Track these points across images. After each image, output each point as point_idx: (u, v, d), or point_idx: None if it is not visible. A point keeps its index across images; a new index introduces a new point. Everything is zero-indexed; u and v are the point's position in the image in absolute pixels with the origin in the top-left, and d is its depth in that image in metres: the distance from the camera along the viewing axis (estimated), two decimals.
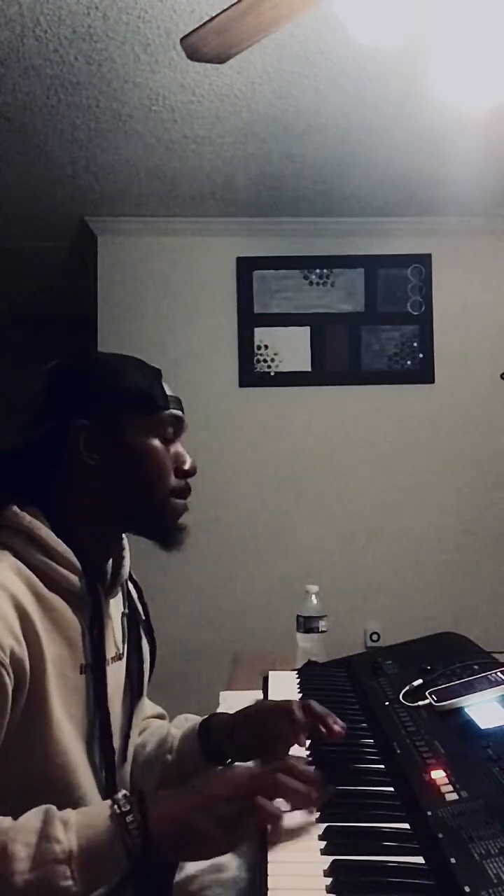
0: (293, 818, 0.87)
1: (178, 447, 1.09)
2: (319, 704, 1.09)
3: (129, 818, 0.81)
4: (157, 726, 1.24)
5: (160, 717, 1.30)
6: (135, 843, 0.80)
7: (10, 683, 0.87)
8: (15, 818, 0.81)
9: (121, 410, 1.04)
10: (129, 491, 1.05)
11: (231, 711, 1.20)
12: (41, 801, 0.84)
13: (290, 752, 1.06)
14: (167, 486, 1.06)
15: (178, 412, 1.09)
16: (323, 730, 1.06)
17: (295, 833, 0.86)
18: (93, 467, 1.03)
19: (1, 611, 0.88)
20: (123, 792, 0.86)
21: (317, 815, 0.90)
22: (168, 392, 1.08)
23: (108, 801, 0.84)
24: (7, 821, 0.80)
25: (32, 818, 0.80)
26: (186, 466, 1.09)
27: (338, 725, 1.06)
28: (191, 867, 0.91)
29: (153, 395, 1.06)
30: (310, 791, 0.89)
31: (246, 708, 1.19)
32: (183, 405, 1.11)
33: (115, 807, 0.82)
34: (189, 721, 1.21)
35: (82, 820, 0.81)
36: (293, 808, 0.88)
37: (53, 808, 0.82)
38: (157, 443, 1.05)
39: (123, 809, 0.81)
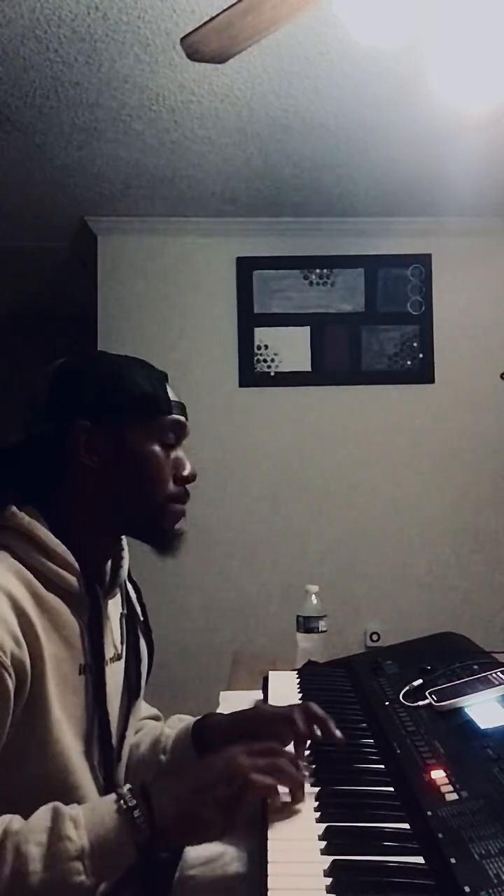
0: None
1: (178, 453, 1.08)
2: (320, 708, 1.09)
3: (136, 813, 0.83)
4: (152, 727, 1.24)
5: (155, 718, 1.30)
6: (143, 836, 0.82)
7: (11, 685, 0.87)
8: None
9: (123, 413, 1.03)
10: (127, 494, 1.04)
11: (230, 711, 1.20)
12: (41, 802, 0.84)
13: None
14: (165, 492, 1.05)
15: (181, 418, 1.08)
16: (319, 734, 1.06)
17: (295, 832, 0.86)
18: (91, 469, 1.02)
19: (1, 613, 0.88)
20: (128, 786, 0.87)
21: (317, 814, 0.90)
22: (172, 397, 1.07)
23: (113, 796, 0.85)
24: (17, 821, 0.81)
25: (41, 818, 0.81)
26: (185, 473, 1.07)
27: (338, 733, 1.06)
28: (191, 867, 0.91)
29: (157, 399, 1.05)
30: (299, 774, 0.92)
31: (244, 711, 1.19)
32: (187, 411, 1.10)
33: (122, 802, 0.84)
34: (183, 721, 1.21)
35: (91, 817, 0.82)
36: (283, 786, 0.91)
37: (61, 805, 0.83)
38: (157, 448, 1.05)
39: (130, 805, 0.83)
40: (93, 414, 1.02)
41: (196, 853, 0.92)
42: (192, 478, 1.08)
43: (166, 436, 1.06)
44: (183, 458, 1.09)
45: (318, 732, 1.07)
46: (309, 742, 1.07)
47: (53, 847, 0.78)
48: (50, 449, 1.03)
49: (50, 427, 1.02)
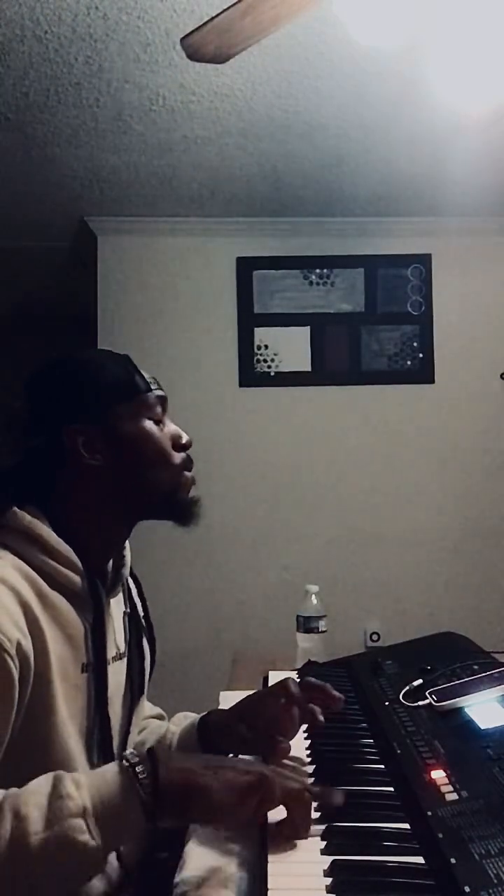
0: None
1: (169, 424, 1.12)
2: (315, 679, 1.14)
3: (139, 769, 0.81)
4: (157, 725, 1.25)
5: (159, 717, 1.30)
6: (146, 793, 0.80)
7: (16, 674, 0.88)
8: None
9: (108, 404, 1.06)
10: (141, 478, 1.07)
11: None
12: None
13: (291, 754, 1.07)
14: (172, 462, 1.09)
15: (161, 391, 1.12)
16: (319, 708, 1.09)
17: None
18: (98, 467, 1.04)
19: (6, 606, 0.89)
20: (132, 749, 0.87)
21: (316, 815, 0.90)
22: (145, 374, 1.10)
23: (117, 760, 0.85)
24: (14, 788, 0.81)
25: (42, 782, 0.81)
26: (184, 440, 1.12)
27: (336, 694, 1.11)
28: (190, 867, 0.91)
29: (133, 381, 1.08)
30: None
31: (241, 700, 1.19)
32: (160, 383, 1.13)
33: (125, 761, 0.83)
34: (188, 719, 1.21)
35: (93, 778, 0.82)
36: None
37: (62, 771, 0.83)
38: (150, 425, 1.08)
39: (133, 761, 0.82)
40: (80, 415, 1.04)
41: (196, 857, 0.92)
42: (189, 444, 1.13)
43: (153, 411, 1.09)
44: (176, 428, 1.13)
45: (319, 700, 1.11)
46: (309, 743, 1.07)
47: (53, 806, 0.77)
48: (47, 460, 1.05)
49: (42, 440, 1.04)
